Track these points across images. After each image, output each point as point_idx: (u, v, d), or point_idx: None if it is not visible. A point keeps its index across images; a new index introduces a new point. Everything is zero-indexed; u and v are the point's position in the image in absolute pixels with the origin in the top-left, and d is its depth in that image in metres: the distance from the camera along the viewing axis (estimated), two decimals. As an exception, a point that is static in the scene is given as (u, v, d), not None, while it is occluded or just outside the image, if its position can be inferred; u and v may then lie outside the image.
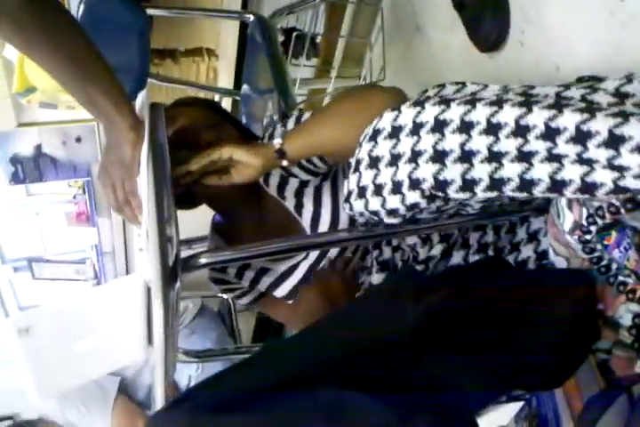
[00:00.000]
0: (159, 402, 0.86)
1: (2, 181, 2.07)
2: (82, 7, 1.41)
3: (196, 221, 1.40)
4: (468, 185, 0.77)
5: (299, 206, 1.09)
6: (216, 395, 0.70)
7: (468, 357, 0.79)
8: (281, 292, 1.16)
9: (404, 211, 0.86)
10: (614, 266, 0.85)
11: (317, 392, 0.69)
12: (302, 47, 1.89)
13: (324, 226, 1.08)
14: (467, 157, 0.76)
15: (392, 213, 0.88)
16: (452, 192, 0.78)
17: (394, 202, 0.85)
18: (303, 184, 1.09)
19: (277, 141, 0.93)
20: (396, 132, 0.82)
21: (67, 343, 0.81)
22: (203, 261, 0.85)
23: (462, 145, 0.76)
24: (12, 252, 2.31)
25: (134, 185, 0.91)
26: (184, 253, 0.83)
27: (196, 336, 2.21)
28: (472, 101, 0.76)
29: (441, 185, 0.78)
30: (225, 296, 2.34)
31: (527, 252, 1.01)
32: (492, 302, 0.81)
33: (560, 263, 0.92)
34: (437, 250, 1.06)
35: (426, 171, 0.79)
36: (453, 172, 0.77)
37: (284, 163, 0.94)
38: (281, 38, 1.91)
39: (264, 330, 2.36)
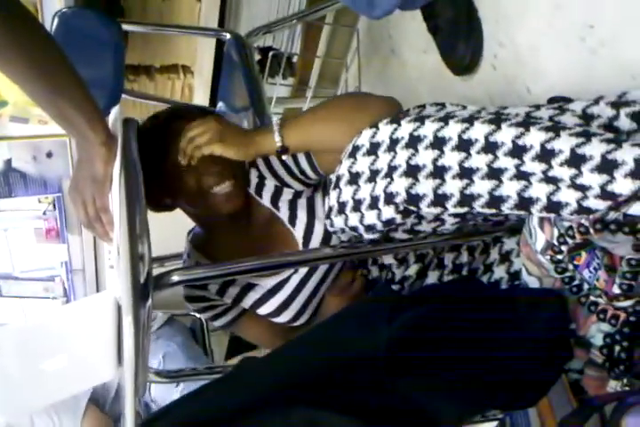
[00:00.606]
0: (129, 422, 0.84)
1: (-31, 197, 2.03)
2: (56, 20, 1.39)
3: (169, 237, 1.39)
4: (440, 200, 0.79)
5: (292, 217, 1.08)
6: (189, 415, 0.69)
7: (442, 377, 0.79)
8: (267, 309, 1.12)
9: (380, 227, 0.87)
10: (586, 286, 0.86)
11: (291, 412, 0.68)
12: (279, 66, 1.91)
13: (316, 238, 1.07)
14: (439, 172, 0.78)
15: (370, 228, 0.89)
16: (424, 206, 0.80)
17: (371, 217, 0.87)
18: (297, 195, 1.08)
19: (277, 139, 0.94)
20: (374, 149, 0.84)
21: (34, 362, 0.78)
22: (175, 278, 0.84)
23: (435, 160, 0.78)
24: (-23, 268, 2.26)
25: (106, 201, 0.90)
26: (156, 271, 0.82)
27: (161, 341, 2.18)
28: (445, 118, 0.78)
29: (413, 199, 0.80)
30: (195, 314, 2.32)
31: (500, 272, 1.02)
32: (464, 321, 0.81)
33: (533, 283, 0.93)
34: (413, 270, 1.06)
35: (399, 185, 0.81)
36: (426, 186, 0.79)
37: (283, 156, 0.98)
38: (257, 57, 1.93)
39: (237, 349, 2.33)
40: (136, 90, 2.00)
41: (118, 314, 0.77)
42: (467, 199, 0.78)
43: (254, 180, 1.07)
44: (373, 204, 0.86)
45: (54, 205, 2.19)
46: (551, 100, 0.92)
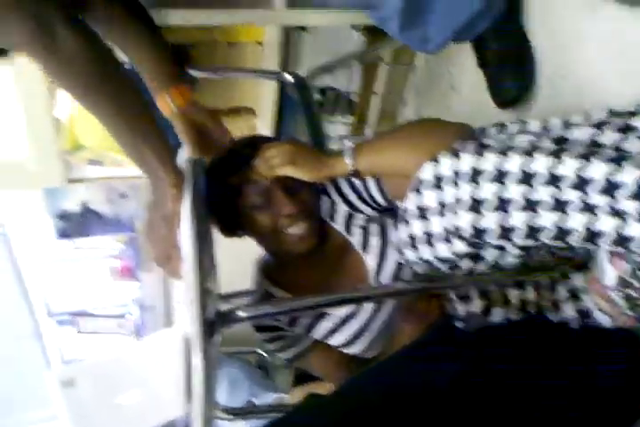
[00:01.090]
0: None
1: (50, 236, 2.15)
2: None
3: (236, 275, 1.42)
4: (505, 233, 0.79)
5: (365, 243, 1.08)
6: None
7: (505, 422, 0.76)
8: (339, 339, 1.10)
9: (453, 258, 0.88)
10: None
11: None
12: (338, 105, 1.95)
13: (389, 266, 1.06)
14: (502, 205, 0.78)
15: (443, 261, 0.90)
16: (491, 239, 0.80)
17: (443, 250, 0.88)
18: (369, 221, 1.09)
19: (349, 162, 0.96)
20: (438, 182, 0.85)
21: (109, 397, 0.81)
22: (242, 315, 0.86)
23: (497, 194, 0.78)
24: (57, 305, 2.36)
25: (175, 239, 0.94)
26: (223, 308, 0.84)
27: (223, 369, 2.19)
28: (504, 151, 0.78)
29: (480, 232, 0.80)
30: (260, 351, 2.33)
31: (568, 310, 0.99)
32: (530, 365, 0.79)
33: (604, 321, 0.89)
34: (477, 306, 1.04)
35: (465, 219, 0.81)
36: (490, 220, 0.79)
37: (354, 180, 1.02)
38: (317, 97, 1.98)
39: (302, 383, 2.31)
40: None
41: (187, 350, 0.79)
42: (533, 232, 0.77)
43: (326, 205, 1.09)
44: (445, 237, 0.86)
45: (128, 244, 2.28)
46: (614, 114, 0.89)
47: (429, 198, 0.87)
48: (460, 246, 0.85)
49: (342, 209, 1.09)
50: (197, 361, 0.75)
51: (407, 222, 0.92)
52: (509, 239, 0.79)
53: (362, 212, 1.08)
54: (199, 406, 0.78)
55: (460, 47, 1.47)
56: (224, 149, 1.09)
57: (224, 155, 1.07)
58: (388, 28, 1.28)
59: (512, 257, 0.89)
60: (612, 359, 0.81)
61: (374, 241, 1.08)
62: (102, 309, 2.44)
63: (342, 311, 1.09)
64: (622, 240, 0.71)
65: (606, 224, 0.72)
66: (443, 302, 1.07)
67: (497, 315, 1.04)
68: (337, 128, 1.92)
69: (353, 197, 1.06)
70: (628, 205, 0.70)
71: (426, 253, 0.91)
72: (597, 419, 0.77)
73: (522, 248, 0.86)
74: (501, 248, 0.87)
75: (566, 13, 1.21)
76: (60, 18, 0.79)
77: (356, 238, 1.09)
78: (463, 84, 1.67)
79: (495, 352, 0.81)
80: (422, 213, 0.89)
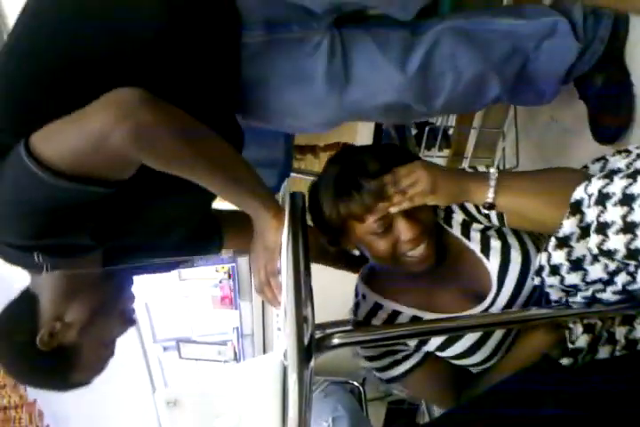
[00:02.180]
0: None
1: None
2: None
3: (330, 304, 1.44)
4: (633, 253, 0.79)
5: (485, 247, 1.03)
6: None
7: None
8: (459, 348, 1.03)
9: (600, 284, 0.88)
10: None
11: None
12: (435, 139, 1.96)
13: (513, 273, 1.01)
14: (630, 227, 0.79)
15: (591, 283, 0.90)
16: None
17: (596, 272, 0.88)
18: (487, 228, 1.05)
19: (491, 196, 0.93)
20: (579, 207, 0.85)
21: (208, 419, 0.85)
22: (336, 341, 0.88)
23: (624, 217, 0.79)
24: (162, 332, 2.48)
25: (275, 267, 0.98)
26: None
27: (329, 399, 2.18)
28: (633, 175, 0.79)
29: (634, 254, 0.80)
30: (353, 382, 2.31)
31: None
32: (632, 407, 0.75)
33: None
34: (583, 342, 0.99)
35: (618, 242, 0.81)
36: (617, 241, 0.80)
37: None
38: (414, 131, 2.00)
39: (395, 419, 2.27)
40: (303, 168, 2.16)
41: (284, 375, 0.82)
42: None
43: (442, 212, 1.05)
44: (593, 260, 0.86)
45: (229, 275, 2.38)
46: None
47: (572, 224, 0.86)
48: (611, 267, 0.85)
49: (459, 217, 1.05)
50: (292, 385, 0.77)
51: (548, 252, 0.91)
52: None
53: (479, 221, 1.03)
54: (293, 430, 0.79)
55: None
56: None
57: (334, 173, 1.02)
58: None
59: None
60: None
61: (495, 243, 1.03)
62: (204, 336, 2.53)
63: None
64: None
65: None
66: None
67: (603, 353, 1.00)
68: (434, 161, 1.92)
69: (472, 209, 1.02)
70: None
71: (573, 279, 0.90)
72: None
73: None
74: (632, 274, 0.85)
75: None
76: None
77: (474, 242, 1.04)
78: (564, 115, 1.63)
79: (597, 388, 0.77)
80: (565, 242, 0.88)
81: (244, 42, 1.05)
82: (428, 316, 1.05)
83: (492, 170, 0.95)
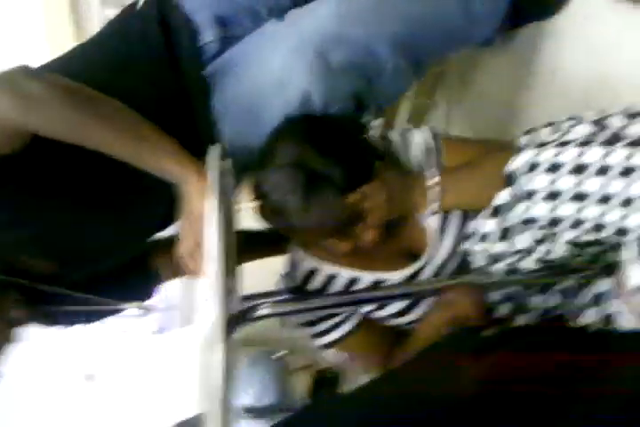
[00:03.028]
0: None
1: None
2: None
3: (256, 276, 1.42)
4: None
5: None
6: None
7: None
8: (391, 310, 1.07)
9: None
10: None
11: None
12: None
13: (450, 235, 1.04)
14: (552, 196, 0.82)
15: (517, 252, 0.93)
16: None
17: (523, 241, 0.91)
18: None
19: (435, 206, 0.96)
20: (511, 178, 0.88)
21: (127, 392, 0.82)
22: (263, 312, 0.86)
23: (550, 185, 0.82)
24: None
25: (200, 235, 0.93)
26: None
27: (254, 368, 2.17)
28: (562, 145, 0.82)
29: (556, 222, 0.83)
30: (279, 353, 2.33)
31: (592, 316, 0.97)
32: (555, 367, 0.78)
33: (629, 324, 0.88)
34: (503, 310, 1.04)
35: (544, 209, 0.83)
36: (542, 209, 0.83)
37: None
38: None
39: (320, 389, 2.31)
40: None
41: (207, 347, 0.80)
42: (577, 223, 0.81)
43: None
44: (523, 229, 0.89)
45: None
46: None
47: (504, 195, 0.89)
48: (537, 236, 0.87)
49: None
50: (216, 358, 0.76)
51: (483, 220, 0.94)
52: (580, 230, 0.82)
53: None
54: (216, 403, 0.78)
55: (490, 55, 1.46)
56: None
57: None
58: None
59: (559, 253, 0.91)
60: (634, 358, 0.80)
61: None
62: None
63: (395, 279, 1.06)
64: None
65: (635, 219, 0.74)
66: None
67: (521, 320, 1.03)
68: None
69: None
70: None
71: (501, 247, 0.93)
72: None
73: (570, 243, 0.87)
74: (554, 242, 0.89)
75: None
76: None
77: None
78: (492, 86, 1.66)
79: (515, 352, 0.80)
80: (495, 213, 0.91)
81: (202, 45, 1.06)
82: (365, 276, 1.06)
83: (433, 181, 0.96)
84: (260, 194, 0.92)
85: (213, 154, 0.93)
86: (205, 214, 0.88)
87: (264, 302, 0.89)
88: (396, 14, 1.07)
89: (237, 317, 0.79)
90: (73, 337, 2.47)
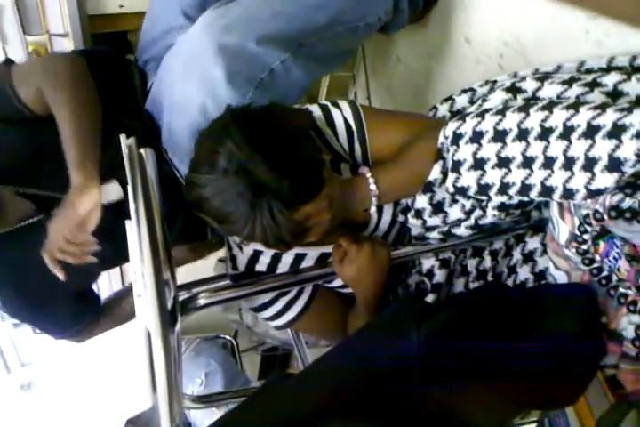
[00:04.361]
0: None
1: None
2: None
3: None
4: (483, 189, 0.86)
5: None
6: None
7: (476, 381, 0.77)
8: (338, 282, 1.06)
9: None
10: (615, 278, 0.85)
11: (330, 425, 0.68)
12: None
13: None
14: (478, 164, 0.85)
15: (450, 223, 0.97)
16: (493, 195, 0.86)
17: (454, 213, 0.95)
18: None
19: (373, 208, 0.96)
20: (441, 153, 0.89)
21: (70, 397, 0.79)
22: (202, 302, 0.85)
23: (474, 154, 0.84)
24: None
25: (73, 235, 0.95)
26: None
27: (202, 358, 2.17)
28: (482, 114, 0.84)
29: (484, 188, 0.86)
30: (224, 336, 2.31)
31: (524, 273, 1.02)
32: (492, 322, 0.81)
33: (561, 278, 0.92)
34: (441, 276, 1.05)
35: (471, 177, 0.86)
36: (469, 178, 0.85)
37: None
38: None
39: (269, 369, 2.33)
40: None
41: (149, 341, 0.78)
42: (504, 188, 0.83)
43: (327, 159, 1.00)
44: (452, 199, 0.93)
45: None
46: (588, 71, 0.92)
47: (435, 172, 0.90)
48: (467, 206, 0.90)
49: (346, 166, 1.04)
50: (158, 351, 0.74)
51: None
52: (508, 195, 0.84)
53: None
54: (164, 395, 0.76)
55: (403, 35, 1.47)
56: None
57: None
58: None
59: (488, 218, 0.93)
60: (569, 309, 0.84)
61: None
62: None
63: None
64: (568, 193, 0.76)
65: (557, 179, 0.76)
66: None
67: (459, 285, 1.06)
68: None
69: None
70: (578, 145, 0.73)
71: (435, 220, 0.96)
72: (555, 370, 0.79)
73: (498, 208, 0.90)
74: (484, 209, 0.92)
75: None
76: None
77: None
78: (409, 56, 1.67)
79: (457, 314, 0.82)
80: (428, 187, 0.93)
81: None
82: (311, 252, 1.05)
83: (367, 175, 0.94)
84: (199, 197, 0.85)
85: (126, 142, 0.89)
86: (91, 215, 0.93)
87: (202, 291, 0.88)
88: (267, 13, 1.09)
89: (176, 309, 0.77)
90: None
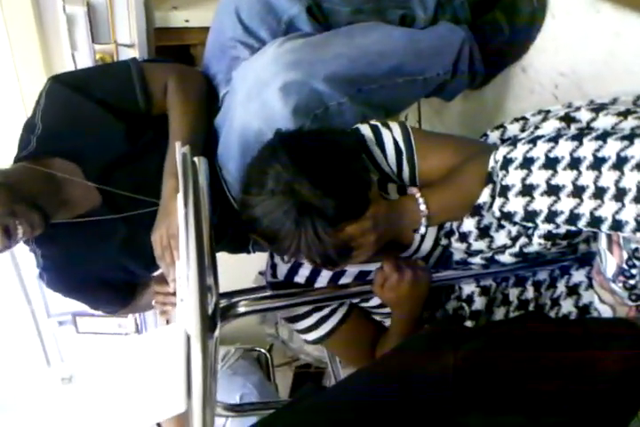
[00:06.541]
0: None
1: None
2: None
3: (235, 273, 1.41)
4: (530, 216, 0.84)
5: None
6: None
7: (512, 412, 0.76)
8: (377, 300, 1.05)
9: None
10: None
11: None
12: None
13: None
14: (527, 190, 0.83)
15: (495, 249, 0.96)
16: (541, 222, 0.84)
17: (500, 239, 0.94)
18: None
19: (422, 228, 0.95)
20: (491, 177, 0.89)
21: (108, 393, 0.81)
22: (242, 309, 0.86)
23: (523, 180, 0.83)
24: (56, 306, 2.36)
25: (175, 231, 0.95)
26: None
27: (237, 378, 2.18)
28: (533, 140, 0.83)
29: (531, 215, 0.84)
30: (260, 349, 2.32)
31: (568, 306, 1.00)
32: (530, 353, 0.79)
33: (605, 312, 0.90)
34: (480, 304, 1.04)
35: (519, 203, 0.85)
36: (516, 204, 0.84)
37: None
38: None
39: (302, 384, 2.31)
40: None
41: (187, 345, 0.79)
42: (551, 216, 0.82)
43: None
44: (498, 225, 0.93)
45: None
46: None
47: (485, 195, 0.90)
48: (514, 232, 0.90)
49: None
50: (197, 354, 0.75)
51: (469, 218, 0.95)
52: (555, 223, 0.82)
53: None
54: (198, 400, 0.77)
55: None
56: None
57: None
58: None
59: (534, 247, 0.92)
60: (615, 347, 0.81)
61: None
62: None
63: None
64: (617, 225, 0.74)
65: (608, 210, 0.75)
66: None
67: (499, 314, 1.05)
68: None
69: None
70: (631, 177, 0.72)
71: (479, 245, 0.95)
72: (596, 407, 0.77)
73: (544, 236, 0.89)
74: (530, 236, 0.91)
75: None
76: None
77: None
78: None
79: (495, 341, 0.81)
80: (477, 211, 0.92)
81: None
82: (350, 269, 1.05)
83: (417, 195, 0.94)
84: (250, 217, 0.89)
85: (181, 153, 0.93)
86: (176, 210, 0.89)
87: (243, 300, 0.89)
88: (333, 55, 1.13)
89: (216, 315, 0.78)
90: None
